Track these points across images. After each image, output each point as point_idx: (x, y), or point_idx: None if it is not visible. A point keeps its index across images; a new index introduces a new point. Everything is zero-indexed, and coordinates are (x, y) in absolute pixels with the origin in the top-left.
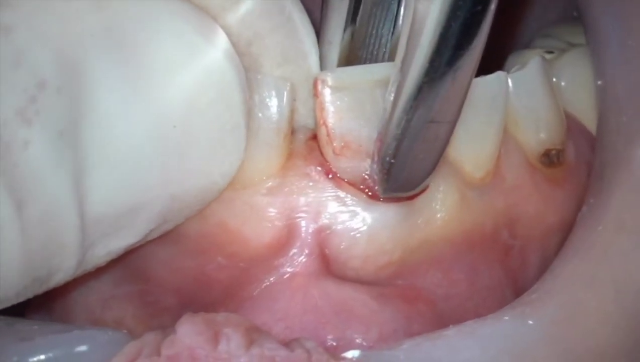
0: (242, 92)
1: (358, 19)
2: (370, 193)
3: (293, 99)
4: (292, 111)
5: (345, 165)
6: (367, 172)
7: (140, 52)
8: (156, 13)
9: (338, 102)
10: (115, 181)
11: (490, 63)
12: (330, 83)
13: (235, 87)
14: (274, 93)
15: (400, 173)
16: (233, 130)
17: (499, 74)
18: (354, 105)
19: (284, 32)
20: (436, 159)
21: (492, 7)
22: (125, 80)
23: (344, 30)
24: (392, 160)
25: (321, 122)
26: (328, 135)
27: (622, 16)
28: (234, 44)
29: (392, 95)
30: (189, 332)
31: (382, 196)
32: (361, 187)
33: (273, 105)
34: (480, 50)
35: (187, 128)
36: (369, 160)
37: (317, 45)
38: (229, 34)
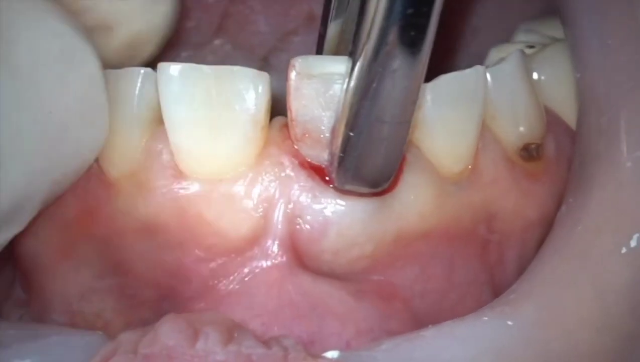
0: (100, 67)
1: (347, 11)
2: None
3: (271, 91)
4: (269, 103)
5: (306, 152)
6: (325, 163)
7: (14, 49)
8: (27, 10)
9: (304, 89)
10: (5, 177)
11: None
12: (298, 69)
13: (95, 65)
14: (251, 85)
15: (349, 167)
16: (99, 108)
17: (477, 68)
18: (320, 94)
19: None
20: (392, 159)
21: (433, 11)
22: (2, 77)
23: (329, 22)
24: (342, 154)
25: (288, 105)
26: (292, 120)
27: (601, 16)
28: None
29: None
30: (168, 331)
31: (339, 188)
32: (327, 179)
33: (250, 97)
34: (424, 54)
35: (62, 113)
36: (326, 151)
37: None
38: None
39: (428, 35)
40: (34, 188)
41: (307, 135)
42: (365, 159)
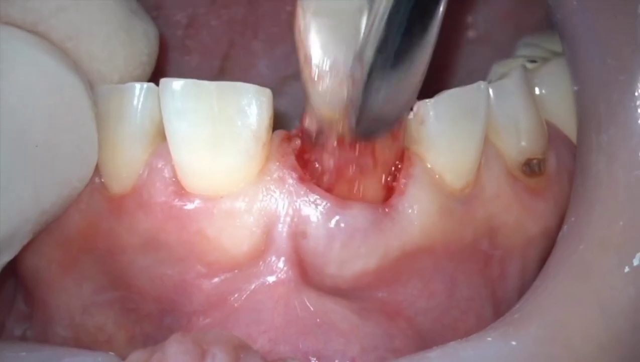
0: (90, 99)
1: None
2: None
3: (273, 108)
4: (271, 119)
5: (322, 89)
6: (344, 103)
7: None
8: (14, 44)
9: (318, 27)
10: None
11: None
12: (310, 7)
13: (84, 97)
14: (253, 101)
15: (376, 94)
16: (86, 137)
17: (479, 83)
18: (334, 30)
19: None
20: (413, 88)
21: None
22: None
23: None
24: (368, 78)
25: (300, 45)
26: (306, 58)
27: (602, 35)
28: None
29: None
30: (175, 352)
31: (353, 135)
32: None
33: (252, 113)
34: None
35: (48, 145)
36: (345, 86)
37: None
38: None
39: None
40: (22, 221)
41: (323, 71)
42: (391, 84)
